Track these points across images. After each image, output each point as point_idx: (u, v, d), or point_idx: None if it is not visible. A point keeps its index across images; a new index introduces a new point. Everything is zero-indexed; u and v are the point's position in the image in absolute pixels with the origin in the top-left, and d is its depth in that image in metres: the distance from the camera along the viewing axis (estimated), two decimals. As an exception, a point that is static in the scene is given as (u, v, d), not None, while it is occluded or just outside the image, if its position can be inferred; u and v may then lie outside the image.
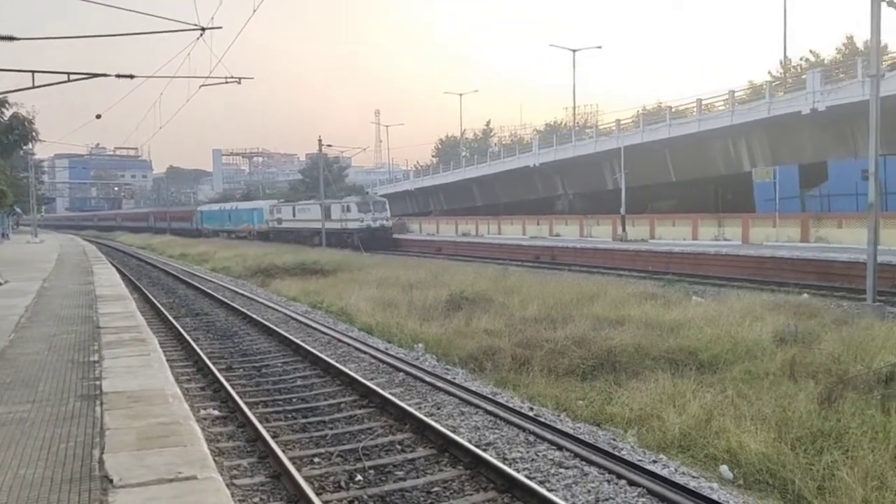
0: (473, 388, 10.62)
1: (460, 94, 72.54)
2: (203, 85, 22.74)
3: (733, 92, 39.91)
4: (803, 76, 38.31)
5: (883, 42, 17.27)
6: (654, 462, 7.65)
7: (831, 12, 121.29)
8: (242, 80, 21.51)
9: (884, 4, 15.83)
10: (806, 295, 17.72)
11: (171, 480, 4.64)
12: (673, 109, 43.87)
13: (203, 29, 17.32)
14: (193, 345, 13.96)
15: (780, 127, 36.47)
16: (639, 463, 7.39)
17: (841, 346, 11.12)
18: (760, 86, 42.48)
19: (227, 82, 21.45)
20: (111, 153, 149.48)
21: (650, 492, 6.67)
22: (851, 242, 26.47)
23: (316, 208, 53.35)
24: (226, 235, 68.38)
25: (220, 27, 17.70)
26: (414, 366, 12.28)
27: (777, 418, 8.23)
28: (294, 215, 57.81)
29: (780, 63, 51.99)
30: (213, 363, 12.37)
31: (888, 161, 27.76)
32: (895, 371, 8.96)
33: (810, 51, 55.57)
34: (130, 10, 17.37)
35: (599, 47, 73.65)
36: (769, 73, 54.58)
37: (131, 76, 19.71)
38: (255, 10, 17.99)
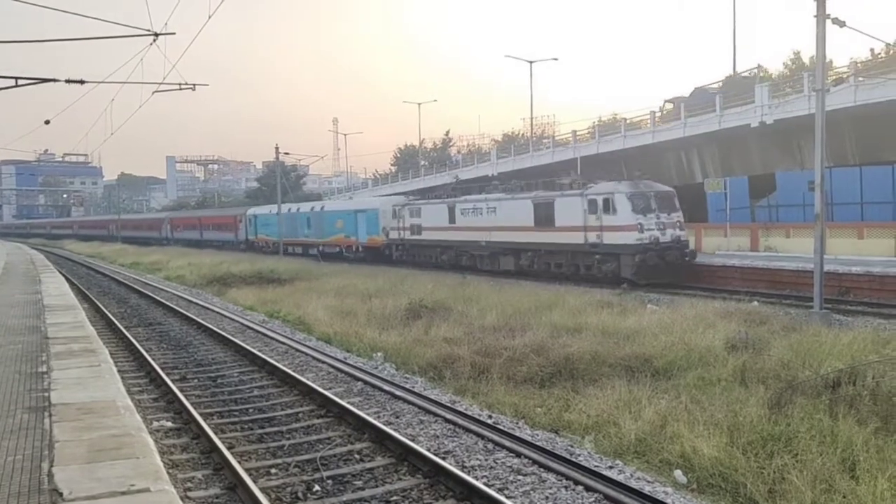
0: (433, 397, 10.62)
1: (419, 104, 72.80)
2: (156, 91, 22.38)
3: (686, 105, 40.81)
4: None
5: (828, 58, 17.87)
6: (611, 468, 7.75)
7: (778, 28, 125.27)
8: (197, 86, 21.26)
9: (828, 21, 16.39)
10: (756, 303, 18.15)
11: (123, 493, 4.54)
12: (628, 121, 44.65)
13: (156, 34, 17.06)
14: (146, 355, 13.66)
15: (730, 139, 37.42)
16: (595, 469, 7.48)
17: (790, 353, 11.44)
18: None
19: (181, 89, 21.17)
20: (60, 160, 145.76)
21: (606, 497, 6.75)
22: (799, 251, 27.21)
23: (515, 206, 29.18)
24: (300, 251, 46.06)
25: (174, 33, 17.47)
26: (373, 375, 12.22)
27: (729, 423, 8.41)
28: (453, 220, 33.06)
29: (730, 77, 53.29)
30: (167, 374, 12.12)
31: (833, 173, 28.70)
32: (842, 376, 9.23)
33: (758, 65, 57.08)
34: (81, 15, 17.02)
35: (556, 59, 74.68)
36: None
37: (82, 81, 19.28)
38: (209, 17, 17.81)
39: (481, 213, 31.38)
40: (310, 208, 47.51)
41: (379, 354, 14.14)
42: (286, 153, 50.50)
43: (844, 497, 6.49)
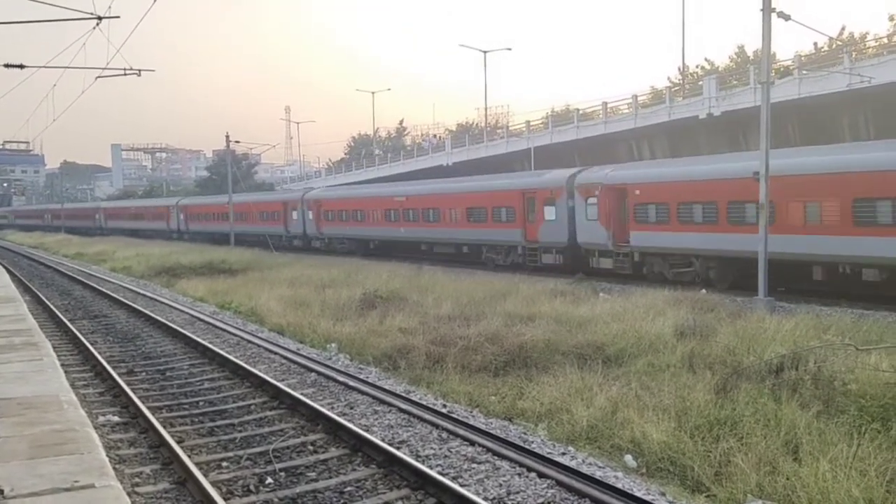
0: (387, 387, 10.60)
1: (373, 92, 72.16)
2: (100, 76, 21.75)
3: (636, 96, 41.46)
4: (700, 83, 40.23)
5: (772, 51, 18.31)
6: (563, 454, 7.85)
7: (724, 23, 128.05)
8: (143, 71, 20.72)
9: (773, 15, 16.78)
10: (704, 291, 18.55)
11: (67, 489, 4.40)
12: (580, 112, 45.10)
13: (100, 18, 16.53)
14: (91, 348, 13.30)
15: (679, 130, 38.15)
16: (548, 455, 7.57)
17: (735, 339, 11.73)
18: (661, 91, 44.27)
19: (125, 74, 20.62)
20: (0, 147, 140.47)
21: (559, 483, 6.84)
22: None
23: None
24: None
25: (118, 16, 16.92)
26: (326, 366, 12.14)
27: (677, 408, 8.60)
28: None
29: (679, 70, 54.30)
30: (113, 367, 11.84)
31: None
32: (785, 362, 9.50)
33: (705, 59, 58.34)
34: (20, -4, 16.36)
35: (509, 49, 74.85)
36: (668, 79, 56.94)
37: (21, 66, 18.70)
38: (155, 0, 17.26)
39: None
40: None
41: (333, 345, 14.04)
42: (237, 141, 49.41)
43: (788, 479, 6.69)
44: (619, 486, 6.78)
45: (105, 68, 20.89)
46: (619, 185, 22.84)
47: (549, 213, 25.26)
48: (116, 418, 9.24)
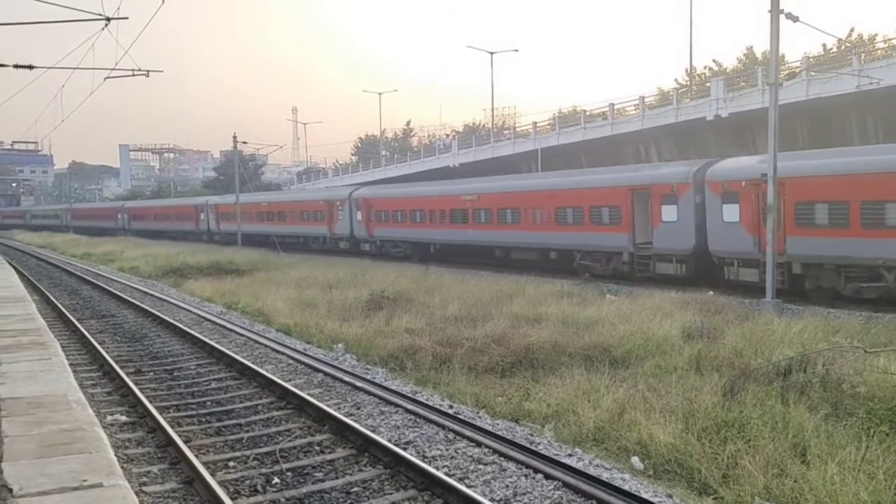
0: (394, 388, 10.60)
1: (380, 93, 72.16)
2: (108, 77, 21.84)
3: (643, 98, 41.38)
4: (707, 84, 40.12)
5: (780, 52, 18.24)
6: (570, 455, 7.83)
7: (733, 24, 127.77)
8: (151, 72, 20.78)
9: (782, 17, 16.71)
10: (711, 292, 18.47)
11: (75, 489, 4.41)
12: (587, 113, 45.04)
13: (108, 19, 16.60)
14: (99, 348, 13.36)
15: (686, 132, 38.05)
16: (555, 457, 7.55)
17: (743, 341, 11.69)
18: (668, 93, 44.18)
19: (133, 75, 20.69)
20: (8, 147, 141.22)
21: (565, 484, 6.82)
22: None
23: None
24: None
25: (127, 17, 16.99)
26: (333, 366, 12.15)
27: (684, 410, 8.57)
28: None
29: (686, 71, 54.13)
30: (121, 367, 11.88)
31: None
32: (793, 364, 9.46)
33: (713, 60, 58.16)
34: (30, -3, 16.46)
35: (516, 50, 74.73)
36: (676, 80, 56.83)
37: (30, 67, 18.78)
38: (163, 1, 17.33)
39: None
40: None
41: (340, 346, 14.06)
42: (244, 142, 49.57)
43: (796, 481, 6.66)
44: (626, 487, 6.77)
45: (113, 69, 20.97)
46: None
47: None
48: (124, 418, 9.28)
